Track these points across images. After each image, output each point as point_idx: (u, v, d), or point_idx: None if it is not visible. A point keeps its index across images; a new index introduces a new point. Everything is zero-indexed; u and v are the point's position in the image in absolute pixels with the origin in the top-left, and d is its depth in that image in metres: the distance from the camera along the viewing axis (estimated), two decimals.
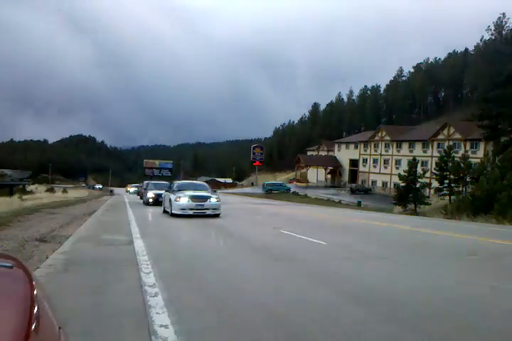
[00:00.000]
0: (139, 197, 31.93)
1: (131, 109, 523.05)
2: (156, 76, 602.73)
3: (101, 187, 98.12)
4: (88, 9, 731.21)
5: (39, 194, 52.10)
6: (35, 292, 1.24)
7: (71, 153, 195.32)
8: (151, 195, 23.34)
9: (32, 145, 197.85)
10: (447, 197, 39.44)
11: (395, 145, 68.69)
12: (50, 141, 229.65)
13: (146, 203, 23.78)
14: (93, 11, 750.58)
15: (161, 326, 3.61)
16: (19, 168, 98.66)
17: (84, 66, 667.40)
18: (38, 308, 1.16)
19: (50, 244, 8.37)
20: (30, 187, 68.34)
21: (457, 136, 57.80)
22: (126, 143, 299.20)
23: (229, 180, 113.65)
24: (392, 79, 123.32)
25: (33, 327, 1.06)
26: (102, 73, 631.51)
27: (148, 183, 27.46)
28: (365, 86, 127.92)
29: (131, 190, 56.13)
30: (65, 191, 59.81)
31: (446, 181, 39.89)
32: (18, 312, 1.09)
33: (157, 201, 21.83)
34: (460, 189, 39.00)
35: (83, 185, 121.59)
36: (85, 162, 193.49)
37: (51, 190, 61.77)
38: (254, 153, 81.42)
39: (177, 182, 18.94)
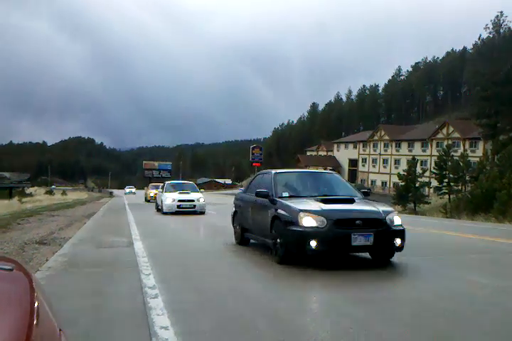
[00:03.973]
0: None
1: (129, 110, 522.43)
2: (154, 77, 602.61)
3: (133, 191, 64.62)
4: (83, 10, 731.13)
5: (38, 196, 52.06)
6: (35, 294, 1.25)
7: (70, 155, 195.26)
8: (170, 200, 17.99)
9: (31, 147, 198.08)
10: (447, 196, 39.49)
11: (394, 145, 68.71)
12: (49, 143, 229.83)
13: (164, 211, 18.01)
14: (88, 12, 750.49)
15: (162, 328, 3.61)
16: (18, 170, 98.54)
17: (82, 68, 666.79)
18: (38, 310, 1.17)
19: (50, 247, 8.37)
20: (30, 190, 68.28)
21: (456, 135, 57.84)
22: (125, 145, 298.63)
23: (228, 181, 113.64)
24: (391, 78, 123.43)
25: (34, 329, 1.07)
26: (100, 74, 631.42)
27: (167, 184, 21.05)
28: (364, 85, 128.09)
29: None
30: (64, 193, 59.81)
31: (446, 180, 39.95)
32: (19, 314, 1.10)
33: (178, 207, 17.66)
34: (459, 188, 39.06)
35: (108, 188, 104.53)
36: (84, 164, 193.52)
37: (50, 193, 61.72)
38: (253, 154, 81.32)
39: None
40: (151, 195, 29.94)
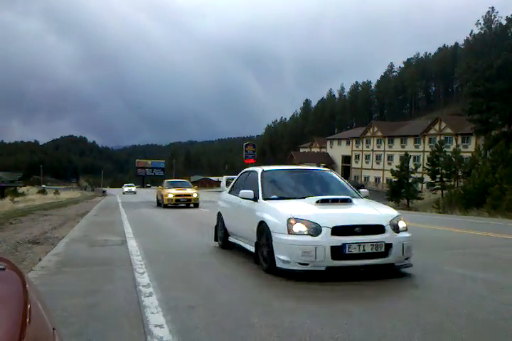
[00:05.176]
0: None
1: (122, 108, 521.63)
2: (146, 75, 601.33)
3: (133, 189, 56.44)
4: (74, 9, 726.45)
5: (31, 196, 51.79)
6: (27, 293, 1.24)
7: (62, 154, 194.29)
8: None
9: (22, 146, 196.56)
10: (439, 192, 39.73)
11: (386, 141, 68.94)
12: (41, 142, 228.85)
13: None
14: (78, 10, 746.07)
15: (156, 326, 3.60)
16: (10, 169, 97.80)
17: (73, 66, 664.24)
18: (31, 310, 1.16)
19: (43, 246, 8.32)
20: (22, 189, 67.87)
21: (448, 130, 58.12)
22: (117, 143, 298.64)
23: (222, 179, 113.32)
24: (383, 74, 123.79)
25: (27, 328, 1.06)
26: (91, 73, 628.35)
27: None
28: (356, 82, 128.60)
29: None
30: (56, 192, 59.49)
31: (438, 176, 40.22)
32: (11, 314, 1.09)
33: None
34: (452, 183, 39.32)
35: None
36: (77, 163, 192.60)
37: (43, 192, 61.37)
38: (246, 151, 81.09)
39: None
40: (170, 196, 21.36)
